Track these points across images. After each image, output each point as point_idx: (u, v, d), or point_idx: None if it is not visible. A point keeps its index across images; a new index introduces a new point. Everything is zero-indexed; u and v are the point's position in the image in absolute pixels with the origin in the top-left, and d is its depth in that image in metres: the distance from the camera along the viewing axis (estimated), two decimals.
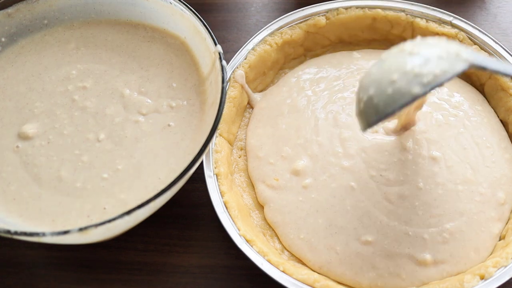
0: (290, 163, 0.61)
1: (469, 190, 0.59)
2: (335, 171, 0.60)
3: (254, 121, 0.66)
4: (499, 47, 0.66)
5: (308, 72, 0.69)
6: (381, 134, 0.63)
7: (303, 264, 0.56)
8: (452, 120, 0.64)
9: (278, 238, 0.58)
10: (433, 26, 0.68)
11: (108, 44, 0.66)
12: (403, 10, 0.69)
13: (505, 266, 0.52)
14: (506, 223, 0.58)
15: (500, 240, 0.57)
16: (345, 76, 0.69)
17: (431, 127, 0.63)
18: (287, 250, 0.57)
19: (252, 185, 0.62)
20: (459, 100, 0.66)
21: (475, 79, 0.68)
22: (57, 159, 0.57)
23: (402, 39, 0.71)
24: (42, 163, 0.57)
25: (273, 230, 0.59)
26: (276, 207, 0.59)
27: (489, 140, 0.63)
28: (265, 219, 0.60)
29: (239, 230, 0.54)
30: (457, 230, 0.56)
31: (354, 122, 0.63)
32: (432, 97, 0.66)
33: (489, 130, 0.63)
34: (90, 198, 0.55)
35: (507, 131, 0.64)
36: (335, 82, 0.68)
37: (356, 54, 0.71)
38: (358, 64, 0.70)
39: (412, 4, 0.69)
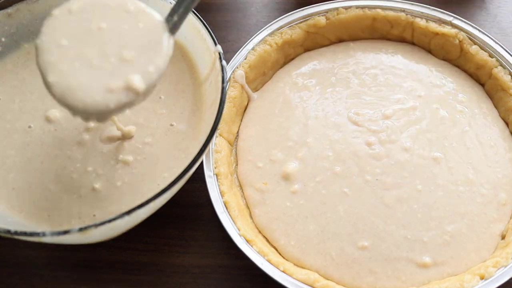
0: (279, 167, 0.60)
1: (471, 191, 0.58)
2: (326, 176, 0.59)
3: (245, 121, 0.66)
4: (499, 47, 0.66)
5: (303, 66, 0.69)
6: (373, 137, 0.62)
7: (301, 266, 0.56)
8: (458, 118, 0.63)
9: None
10: (433, 26, 0.68)
11: None
12: (403, 10, 0.69)
13: (505, 266, 0.52)
14: (507, 223, 0.57)
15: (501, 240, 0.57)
16: (338, 67, 0.68)
17: (436, 126, 0.62)
18: (281, 256, 0.56)
19: None
20: (465, 96, 0.65)
21: (475, 78, 0.68)
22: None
23: (402, 39, 0.71)
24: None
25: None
26: (262, 212, 0.58)
27: (493, 139, 0.62)
28: None
29: (239, 230, 0.54)
30: (458, 232, 0.56)
31: (345, 122, 0.63)
32: (439, 90, 0.66)
33: (493, 129, 0.63)
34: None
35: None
36: (328, 75, 0.68)
37: (352, 44, 0.71)
38: (354, 55, 0.70)
39: (412, 4, 0.69)
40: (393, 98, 0.65)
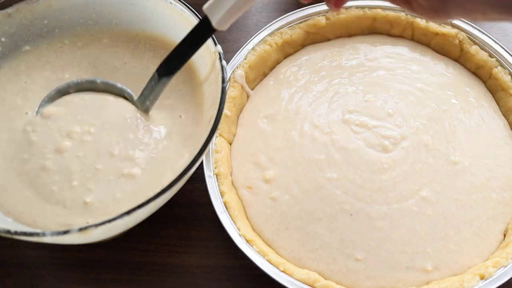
0: (261, 171, 0.59)
1: (483, 197, 0.57)
2: (297, 192, 0.57)
3: (239, 121, 0.65)
4: (499, 47, 0.66)
5: (298, 59, 0.69)
6: (365, 143, 0.60)
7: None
8: (471, 109, 0.62)
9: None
10: (433, 26, 0.68)
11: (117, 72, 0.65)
12: (403, 10, 0.69)
13: (505, 266, 0.52)
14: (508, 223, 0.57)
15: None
16: (334, 57, 0.67)
17: (449, 117, 0.62)
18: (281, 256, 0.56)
19: None
20: (472, 89, 0.65)
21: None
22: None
23: (402, 39, 0.71)
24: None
25: None
26: (253, 215, 0.58)
27: (502, 137, 0.61)
28: None
29: (239, 230, 0.54)
30: (464, 240, 0.55)
31: (337, 121, 0.61)
32: (446, 79, 0.65)
33: (500, 126, 0.63)
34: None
35: None
36: (321, 68, 0.67)
37: (349, 40, 0.71)
38: (350, 45, 0.69)
39: None
40: (398, 88, 0.64)
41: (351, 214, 0.55)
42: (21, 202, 0.54)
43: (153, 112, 0.60)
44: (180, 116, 0.61)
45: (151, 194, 0.49)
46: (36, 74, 0.64)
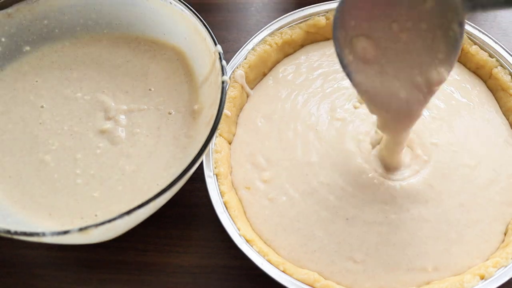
0: (259, 172, 0.59)
1: (485, 199, 0.56)
2: (293, 194, 0.57)
3: (239, 121, 0.65)
4: (499, 47, 0.66)
5: (297, 58, 0.68)
6: (363, 147, 0.59)
7: None
8: (474, 108, 0.62)
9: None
10: None
11: (114, 71, 0.65)
12: None
13: (505, 266, 0.52)
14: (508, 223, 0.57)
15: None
16: (327, 61, 0.67)
17: (451, 116, 0.61)
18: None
19: None
20: (473, 89, 0.65)
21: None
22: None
23: None
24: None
25: None
26: (252, 215, 0.57)
27: (504, 137, 0.61)
28: None
29: (239, 230, 0.54)
30: (466, 241, 0.54)
31: (332, 121, 0.61)
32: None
33: (501, 126, 0.63)
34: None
35: None
36: (318, 68, 0.67)
37: None
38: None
39: None
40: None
41: (346, 219, 0.55)
42: (37, 195, 0.56)
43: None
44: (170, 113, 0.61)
45: None
46: (46, 73, 0.64)
